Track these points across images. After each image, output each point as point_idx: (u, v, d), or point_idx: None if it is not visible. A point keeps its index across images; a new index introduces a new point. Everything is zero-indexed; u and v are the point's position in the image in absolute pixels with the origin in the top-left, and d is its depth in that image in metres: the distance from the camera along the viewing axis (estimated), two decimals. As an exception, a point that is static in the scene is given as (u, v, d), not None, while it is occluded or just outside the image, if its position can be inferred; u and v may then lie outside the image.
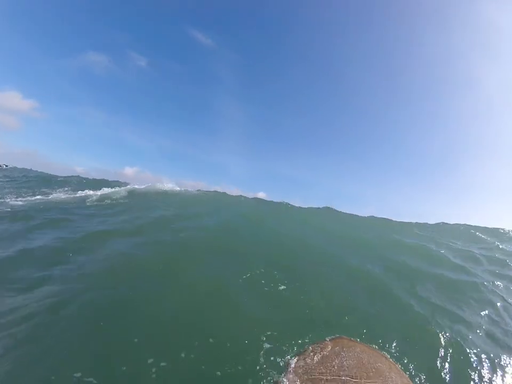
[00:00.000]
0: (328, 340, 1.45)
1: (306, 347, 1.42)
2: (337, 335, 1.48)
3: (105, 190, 10.08)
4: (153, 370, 2.19)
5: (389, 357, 1.29)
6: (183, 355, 2.35)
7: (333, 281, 4.26)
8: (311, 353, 1.36)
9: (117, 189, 10.48)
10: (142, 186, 11.67)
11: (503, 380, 2.55)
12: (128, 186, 11.58)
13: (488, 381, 2.61)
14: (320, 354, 1.35)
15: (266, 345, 2.68)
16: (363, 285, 4.21)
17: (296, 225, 8.22)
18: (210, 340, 2.63)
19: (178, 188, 12.53)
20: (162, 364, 2.24)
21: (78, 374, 2.11)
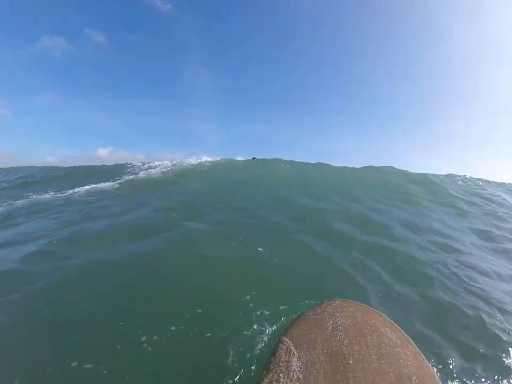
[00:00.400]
0: (321, 303, 1.43)
1: (300, 313, 1.40)
2: (331, 298, 1.47)
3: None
4: (146, 345, 2.21)
5: (382, 313, 1.28)
6: (173, 328, 2.38)
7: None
8: (306, 318, 1.34)
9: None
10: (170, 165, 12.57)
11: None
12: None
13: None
14: (315, 317, 1.33)
15: (257, 312, 2.67)
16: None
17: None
18: (199, 310, 2.63)
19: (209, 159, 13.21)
20: (154, 337, 2.28)
21: (76, 350, 2.17)
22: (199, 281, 3.17)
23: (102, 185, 8.68)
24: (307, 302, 2.65)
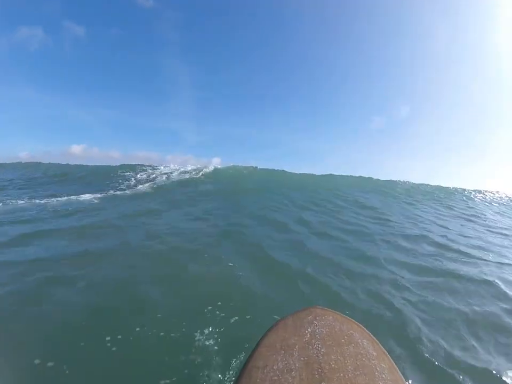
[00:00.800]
0: (301, 310, 1.42)
1: (279, 318, 1.38)
2: (311, 306, 1.46)
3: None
4: (110, 344, 2.27)
5: (361, 325, 1.28)
6: (138, 329, 2.47)
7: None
8: (285, 324, 1.32)
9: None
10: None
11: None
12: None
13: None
14: (293, 324, 1.32)
15: (225, 318, 2.74)
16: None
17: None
18: (161, 315, 2.78)
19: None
20: (118, 336, 2.35)
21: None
22: (170, 288, 3.29)
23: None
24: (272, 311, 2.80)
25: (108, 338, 2.29)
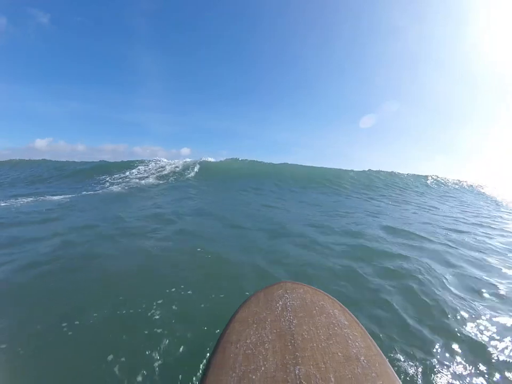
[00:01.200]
0: (271, 285, 1.40)
1: (251, 294, 1.35)
2: (281, 281, 1.44)
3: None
4: (66, 329, 2.22)
5: (330, 296, 1.29)
6: (95, 314, 2.40)
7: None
8: (256, 299, 1.29)
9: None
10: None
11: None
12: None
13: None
14: (265, 298, 1.29)
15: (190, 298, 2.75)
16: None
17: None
18: (123, 297, 2.75)
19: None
20: (76, 322, 2.31)
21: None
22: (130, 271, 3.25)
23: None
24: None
25: (64, 324, 2.23)
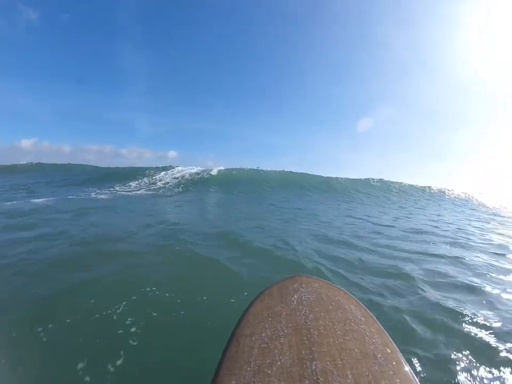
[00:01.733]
0: (286, 278, 1.39)
1: (265, 288, 1.34)
2: (296, 274, 1.43)
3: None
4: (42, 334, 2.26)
5: (346, 291, 1.27)
6: (68, 320, 2.51)
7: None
8: (271, 292, 1.28)
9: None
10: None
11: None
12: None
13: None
14: (279, 292, 1.28)
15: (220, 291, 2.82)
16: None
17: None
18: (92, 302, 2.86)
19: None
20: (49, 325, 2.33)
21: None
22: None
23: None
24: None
25: (40, 328, 2.29)
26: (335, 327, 1.07)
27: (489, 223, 11.13)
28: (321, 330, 1.05)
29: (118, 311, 2.53)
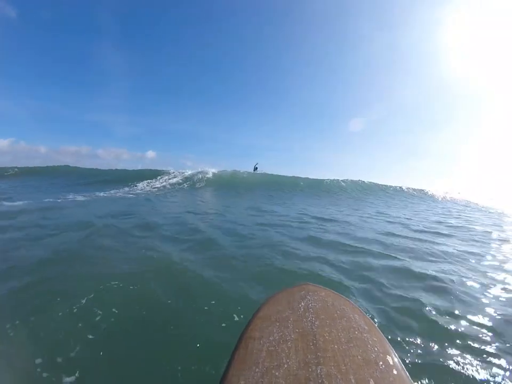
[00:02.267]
0: (293, 286, 1.45)
1: (273, 293, 1.41)
2: (302, 282, 1.49)
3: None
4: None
5: (351, 301, 1.33)
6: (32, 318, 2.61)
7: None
8: (279, 298, 1.35)
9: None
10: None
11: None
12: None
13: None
14: (287, 298, 1.34)
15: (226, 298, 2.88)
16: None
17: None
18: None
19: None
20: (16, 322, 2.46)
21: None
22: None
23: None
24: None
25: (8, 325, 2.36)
26: (339, 334, 1.12)
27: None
28: (327, 337, 1.11)
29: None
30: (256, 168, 26.32)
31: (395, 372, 0.96)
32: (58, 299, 2.76)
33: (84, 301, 2.69)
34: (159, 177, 21.26)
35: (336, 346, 1.06)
